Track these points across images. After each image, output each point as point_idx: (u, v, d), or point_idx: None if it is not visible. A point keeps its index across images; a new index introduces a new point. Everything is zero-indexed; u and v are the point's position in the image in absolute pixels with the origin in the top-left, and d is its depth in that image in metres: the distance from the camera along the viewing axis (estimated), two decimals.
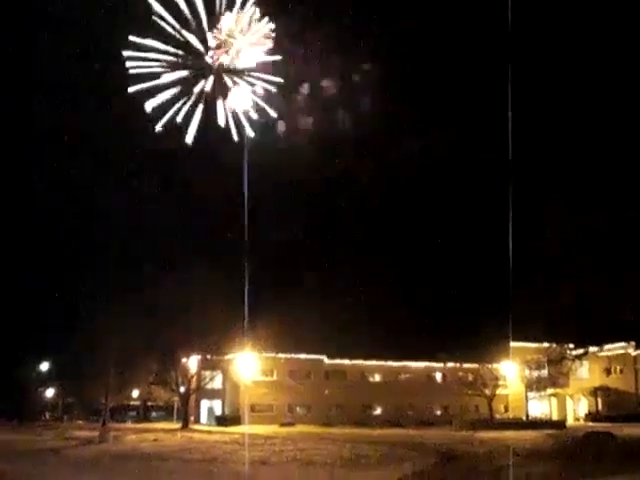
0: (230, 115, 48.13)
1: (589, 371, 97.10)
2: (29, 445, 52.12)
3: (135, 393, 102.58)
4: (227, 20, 46.44)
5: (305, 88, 50.53)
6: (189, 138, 47.68)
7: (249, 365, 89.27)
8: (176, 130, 47.19)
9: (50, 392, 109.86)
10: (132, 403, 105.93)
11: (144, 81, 47.46)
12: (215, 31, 46.93)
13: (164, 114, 47.86)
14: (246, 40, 47.07)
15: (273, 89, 48.43)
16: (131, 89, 47.55)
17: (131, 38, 47.40)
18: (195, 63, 48.46)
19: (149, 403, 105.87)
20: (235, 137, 46.34)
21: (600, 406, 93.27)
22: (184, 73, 49.15)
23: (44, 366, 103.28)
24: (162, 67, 48.30)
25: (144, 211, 65.04)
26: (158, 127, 47.18)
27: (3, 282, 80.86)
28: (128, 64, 47.04)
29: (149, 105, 47.58)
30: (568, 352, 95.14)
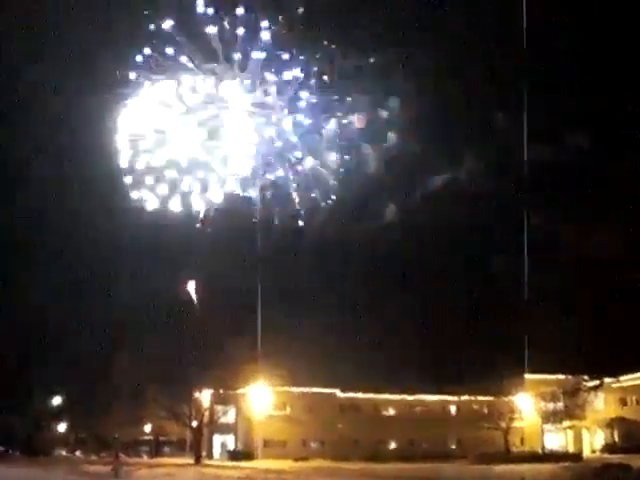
0: None
1: (605, 402, 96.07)
2: None
3: (147, 427, 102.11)
4: None
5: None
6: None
7: (262, 399, 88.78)
8: None
9: (62, 427, 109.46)
10: (144, 438, 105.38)
11: None
12: None
13: None
14: None
15: None
16: None
17: None
18: None
19: (161, 438, 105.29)
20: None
21: (616, 438, 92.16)
22: None
23: (56, 400, 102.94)
24: None
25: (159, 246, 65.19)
26: None
27: (16, 316, 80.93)
28: None
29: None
30: (583, 384, 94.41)
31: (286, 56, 47.72)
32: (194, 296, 79.49)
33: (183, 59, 50.08)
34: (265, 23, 47.81)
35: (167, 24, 50.31)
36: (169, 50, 49.59)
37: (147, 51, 51.06)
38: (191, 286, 79.99)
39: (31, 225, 71.22)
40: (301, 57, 47.27)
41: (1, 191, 67.60)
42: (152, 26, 49.78)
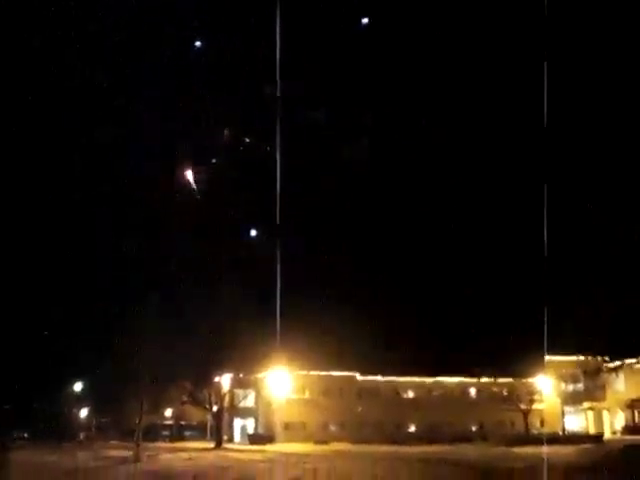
0: None
1: (625, 383, 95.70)
2: (65, 465, 52.12)
3: (168, 412, 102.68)
4: None
5: None
6: None
7: (281, 383, 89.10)
8: None
9: (84, 412, 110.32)
10: (165, 422, 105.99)
11: None
12: None
13: None
14: None
15: None
16: None
17: None
18: None
19: (182, 422, 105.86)
20: None
21: (637, 419, 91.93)
22: None
23: (77, 387, 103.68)
24: None
25: (172, 228, 64.62)
26: None
27: (35, 303, 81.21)
28: None
29: None
30: (604, 365, 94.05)
31: None
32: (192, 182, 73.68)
33: None
34: None
35: None
36: None
37: None
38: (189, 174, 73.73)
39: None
40: None
41: None
42: None
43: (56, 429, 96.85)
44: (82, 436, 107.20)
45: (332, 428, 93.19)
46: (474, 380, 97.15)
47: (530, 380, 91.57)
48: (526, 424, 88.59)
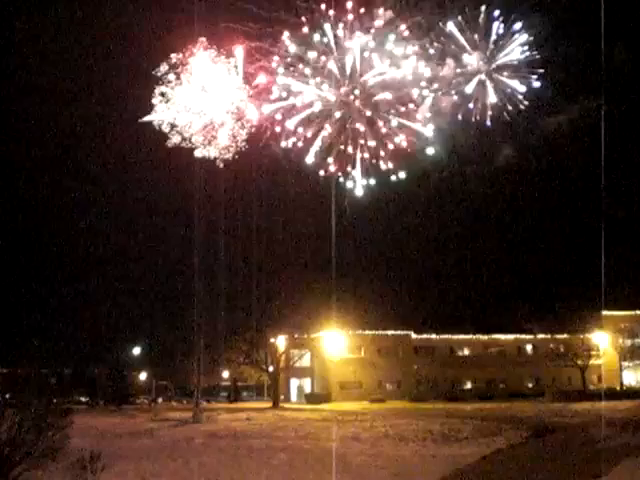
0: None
1: None
2: (125, 427, 53.17)
3: (226, 374, 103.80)
4: None
5: None
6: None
7: (336, 343, 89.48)
8: None
9: (143, 376, 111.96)
10: (223, 383, 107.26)
11: None
12: None
13: None
14: None
15: None
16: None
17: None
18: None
19: (240, 383, 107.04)
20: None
21: None
22: None
23: (137, 350, 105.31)
24: None
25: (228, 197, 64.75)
26: None
27: (96, 270, 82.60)
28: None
29: None
30: None
31: None
32: None
33: None
34: None
35: None
36: None
37: None
38: None
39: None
40: None
41: None
42: None
43: (115, 393, 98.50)
44: (142, 399, 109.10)
45: (387, 386, 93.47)
46: (530, 337, 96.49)
47: (587, 336, 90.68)
48: (583, 380, 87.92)
